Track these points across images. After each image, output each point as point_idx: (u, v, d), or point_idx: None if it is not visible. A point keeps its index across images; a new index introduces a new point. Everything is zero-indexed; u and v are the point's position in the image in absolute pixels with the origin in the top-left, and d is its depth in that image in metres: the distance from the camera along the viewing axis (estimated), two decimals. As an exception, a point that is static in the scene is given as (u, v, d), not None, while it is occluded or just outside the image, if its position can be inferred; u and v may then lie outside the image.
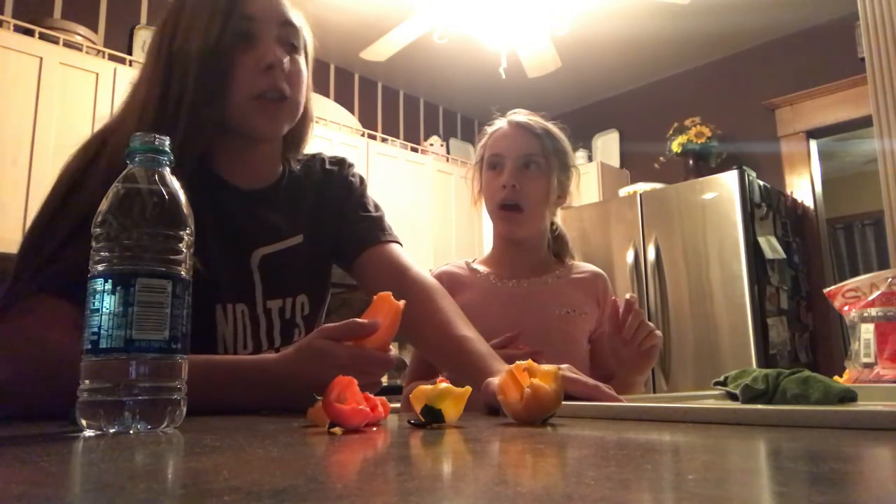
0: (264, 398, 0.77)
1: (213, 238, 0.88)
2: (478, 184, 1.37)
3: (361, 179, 1.12)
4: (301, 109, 0.96)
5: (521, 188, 1.27)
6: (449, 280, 1.33)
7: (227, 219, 0.93)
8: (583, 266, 1.39)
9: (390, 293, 0.73)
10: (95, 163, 0.82)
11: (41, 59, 2.66)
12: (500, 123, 1.36)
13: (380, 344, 0.73)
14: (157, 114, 0.84)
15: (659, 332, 1.16)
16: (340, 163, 1.11)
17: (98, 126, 0.91)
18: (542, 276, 1.33)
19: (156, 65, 0.88)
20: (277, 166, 1.02)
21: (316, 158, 1.09)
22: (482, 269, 1.36)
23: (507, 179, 1.27)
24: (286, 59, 0.89)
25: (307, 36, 0.97)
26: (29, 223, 0.84)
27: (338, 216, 1.05)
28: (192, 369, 0.58)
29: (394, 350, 0.76)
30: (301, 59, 0.94)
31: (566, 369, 0.78)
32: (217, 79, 0.86)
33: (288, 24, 0.91)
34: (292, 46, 0.92)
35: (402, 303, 0.73)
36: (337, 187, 1.07)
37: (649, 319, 3.59)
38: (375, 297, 0.74)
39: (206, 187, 0.89)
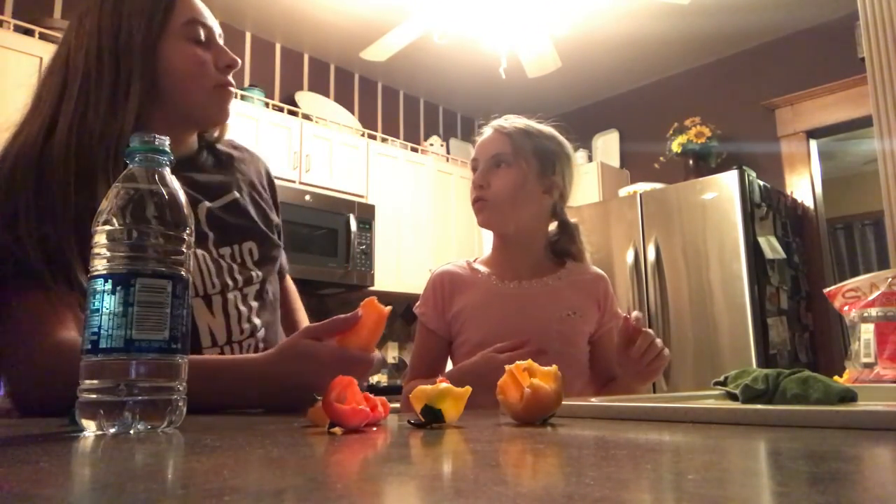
0: (248, 398, 0.78)
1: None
2: None
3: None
4: None
5: (487, 185, 1.31)
6: (451, 280, 1.33)
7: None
8: (584, 268, 1.38)
9: (374, 298, 0.76)
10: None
11: (41, 59, 2.65)
12: (485, 129, 1.40)
13: (363, 344, 0.76)
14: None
15: (667, 352, 1.17)
16: (242, 146, 1.18)
17: None
18: (543, 278, 1.33)
19: None
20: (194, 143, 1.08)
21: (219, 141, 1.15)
22: (483, 269, 1.36)
23: (476, 179, 1.33)
24: None
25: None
26: None
27: (263, 192, 1.13)
28: None
29: (378, 353, 0.79)
30: None
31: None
32: None
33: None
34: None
35: (388, 308, 0.76)
36: (249, 162, 1.15)
37: (649, 320, 3.53)
38: (361, 303, 0.76)
39: None
